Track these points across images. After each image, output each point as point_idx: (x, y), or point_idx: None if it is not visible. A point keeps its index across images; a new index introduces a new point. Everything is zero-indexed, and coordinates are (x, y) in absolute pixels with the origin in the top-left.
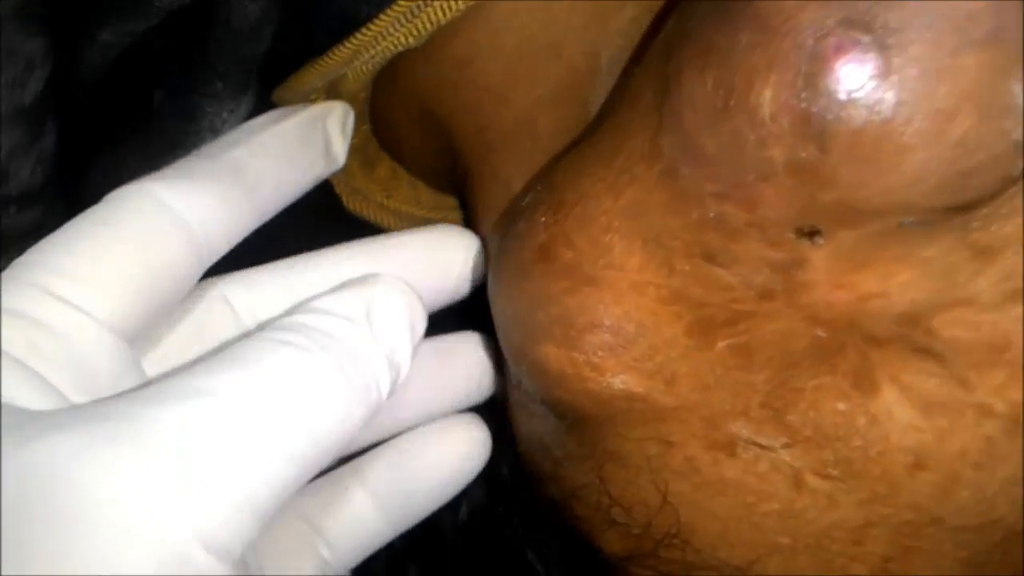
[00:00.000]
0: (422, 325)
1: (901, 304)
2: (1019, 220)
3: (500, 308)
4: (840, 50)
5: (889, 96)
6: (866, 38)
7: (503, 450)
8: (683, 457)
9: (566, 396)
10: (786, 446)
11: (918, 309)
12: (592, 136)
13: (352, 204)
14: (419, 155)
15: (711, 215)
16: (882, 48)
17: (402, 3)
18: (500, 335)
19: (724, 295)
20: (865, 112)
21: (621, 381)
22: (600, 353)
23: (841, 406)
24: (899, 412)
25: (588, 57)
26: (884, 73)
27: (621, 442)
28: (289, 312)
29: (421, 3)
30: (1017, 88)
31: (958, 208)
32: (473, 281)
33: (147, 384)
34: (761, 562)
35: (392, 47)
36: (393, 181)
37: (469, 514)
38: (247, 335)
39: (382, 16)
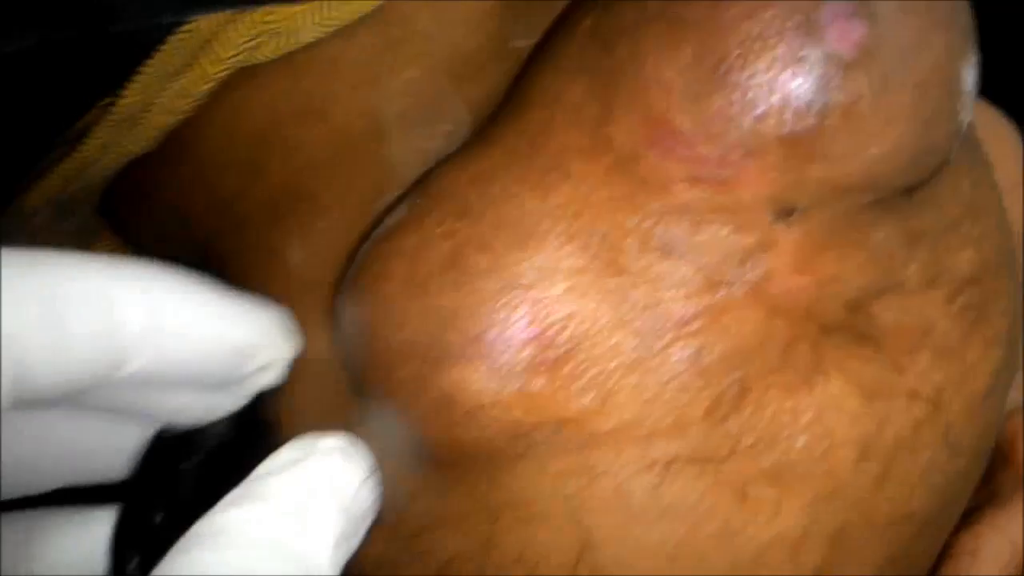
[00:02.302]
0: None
1: (851, 289)
2: (937, 208)
3: (381, 339)
4: (835, 18)
5: (880, 67)
6: (860, 10)
7: None
8: (613, 487)
9: (477, 430)
10: (728, 457)
11: (863, 295)
12: (480, 147)
13: None
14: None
15: (677, 202)
16: (872, 20)
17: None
18: (372, 382)
19: (680, 291)
20: (863, 80)
21: (553, 404)
22: (532, 372)
23: (788, 403)
24: (845, 402)
25: (363, 116)
26: (876, 45)
27: (529, 484)
28: None
29: (144, 108)
30: (966, 73)
31: (906, 190)
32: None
33: None
34: None
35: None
36: None
37: None
38: None
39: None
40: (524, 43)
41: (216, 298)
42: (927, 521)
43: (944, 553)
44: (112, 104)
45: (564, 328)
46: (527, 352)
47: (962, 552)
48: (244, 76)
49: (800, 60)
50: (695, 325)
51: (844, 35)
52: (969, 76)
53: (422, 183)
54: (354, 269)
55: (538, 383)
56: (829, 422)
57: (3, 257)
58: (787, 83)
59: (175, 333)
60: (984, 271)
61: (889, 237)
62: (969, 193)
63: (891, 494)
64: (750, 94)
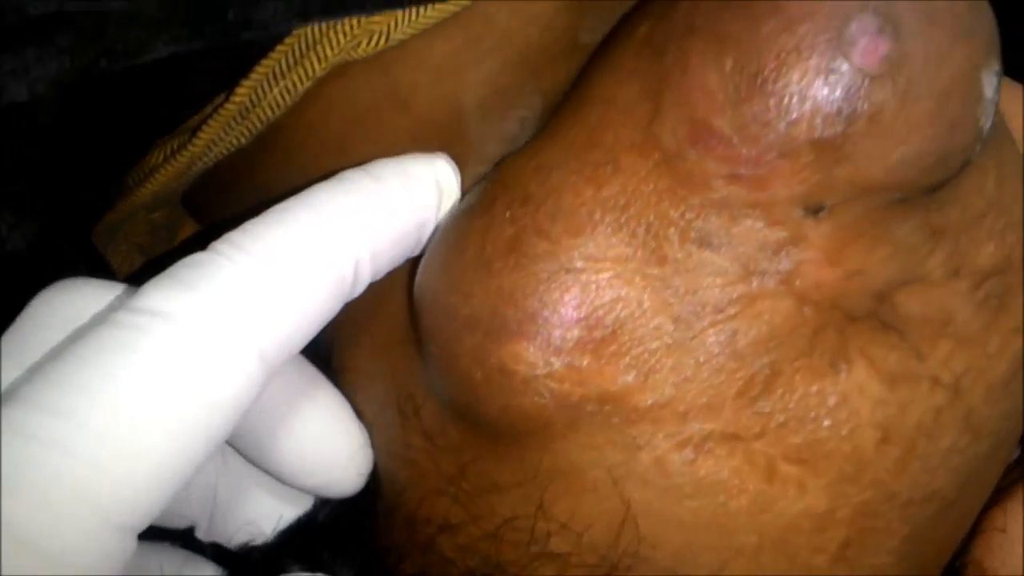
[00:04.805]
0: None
1: (876, 281)
2: (961, 204)
3: (449, 311)
4: (863, 34)
5: (905, 77)
6: (886, 26)
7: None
8: (651, 460)
9: (531, 399)
10: (759, 435)
11: (887, 286)
12: (544, 139)
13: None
14: None
15: (716, 197)
16: (897, 35)
17: (229, 108)
18: (439, 345)
19: (717, 279)
20: (887, 91)
21: (599, 379)
22: (580, 350)
23: (815, 387)
24: (869, 387)
25: (444, 104)
26: (901, 57)
27: (577, 454)
28: None
29: (251, 104)
30: (988, 80)
31: (930, 188)
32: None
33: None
34: (727, 568)
35: (223, 150)
36: None
37: None
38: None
39: (211, 122)
40: (592, 39)
41: None
42: (950, 501)
43: (974, 530)
44: (225, 102)
45: (610, 311)
46: (576, 331)
47: (992, 528)
48: (337, 70)
49: (830, 72)
50: (730, 311)
51: (871, 50)
52: (991, 83)
53: (495, 169)
54: (435, 240)
55: (585, 360)
56: (853, 406)
57: None
58: (818, 92)
59: None
60: (1007, 263)
61: (913, 231)
62: (993, 189)
63: (912, 475)
64: (784, 101)
